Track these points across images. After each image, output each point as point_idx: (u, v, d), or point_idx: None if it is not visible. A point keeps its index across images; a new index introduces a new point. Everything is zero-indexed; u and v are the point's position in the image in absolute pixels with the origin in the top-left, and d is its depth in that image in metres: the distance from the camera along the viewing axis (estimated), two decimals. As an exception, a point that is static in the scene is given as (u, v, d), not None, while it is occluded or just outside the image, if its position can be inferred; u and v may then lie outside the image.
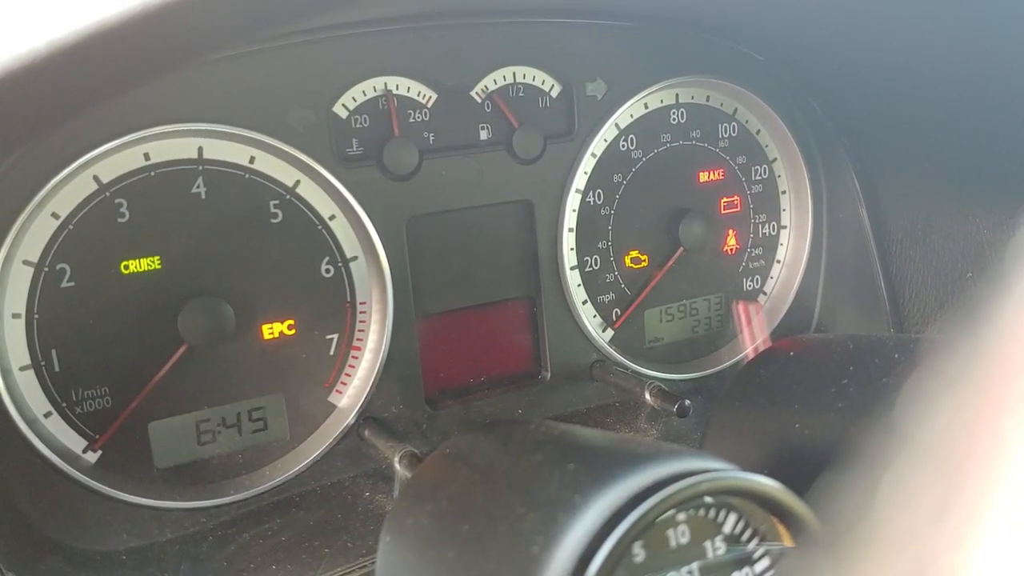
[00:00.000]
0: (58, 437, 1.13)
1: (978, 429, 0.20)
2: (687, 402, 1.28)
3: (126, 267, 1.14)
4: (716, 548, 0.72)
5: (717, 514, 0.72)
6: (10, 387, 1.09)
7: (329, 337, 1.27)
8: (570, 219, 1.40)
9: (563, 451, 0.77)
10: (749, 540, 0.73)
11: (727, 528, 0.72)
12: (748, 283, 1.57)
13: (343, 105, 1.22)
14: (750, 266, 1.57)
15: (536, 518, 0.67)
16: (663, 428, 1.36)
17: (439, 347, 1.34)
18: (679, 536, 0.71)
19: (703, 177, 1.50)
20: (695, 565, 0.72)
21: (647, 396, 1.34)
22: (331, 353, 1.27)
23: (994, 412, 0.21)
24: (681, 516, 0.71)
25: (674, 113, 1.46)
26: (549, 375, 1.41)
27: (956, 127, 1.30)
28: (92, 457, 1.15)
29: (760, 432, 0.98)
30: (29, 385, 1.11)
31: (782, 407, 0.97)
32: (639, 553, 0.69)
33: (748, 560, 0.72)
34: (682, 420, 1.31)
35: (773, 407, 0.98)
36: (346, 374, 1.28)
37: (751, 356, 1.30)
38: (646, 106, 1.43)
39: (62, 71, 0.53)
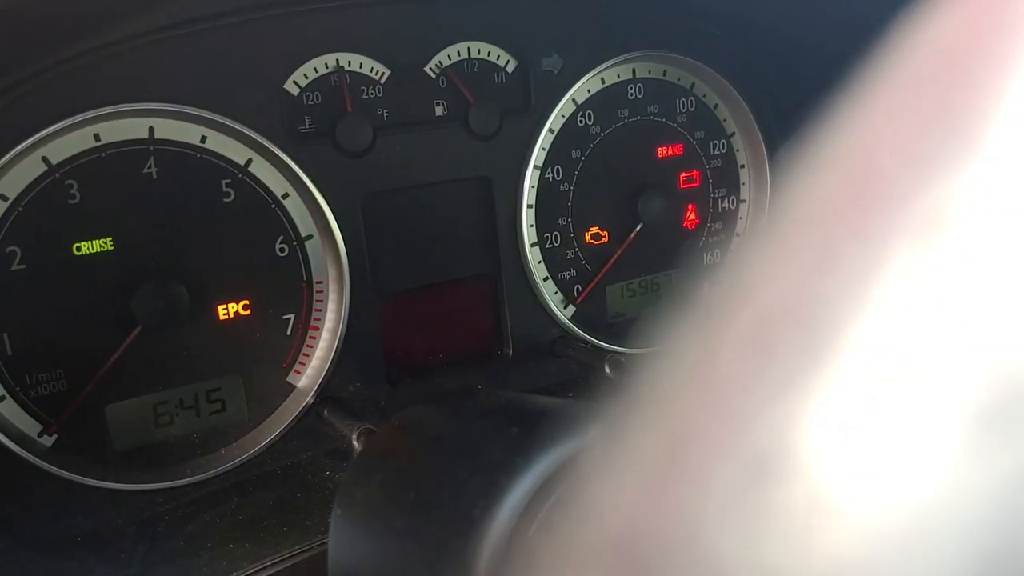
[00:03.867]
0: (12, 422, 1.12)
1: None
2: (645, 374, 1.29)
3: (78, 249, 1.13)
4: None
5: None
6: (-40, 372, 1.08)
7: (286, 317, 1.26)
8: (529, 195, 1.40)
9: (508, 417, 0.77)
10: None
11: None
12: (708, 257, 1.58)
13: (294, 82, 1.22)
14: (710, 240, 1.57)
15: (478, 482, 0.68)
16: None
17: (398, 325, 1.34)
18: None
19: (662, 152, 1.50)
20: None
21: (606, 369, 1.34)
22: (288, 333, 1.26)
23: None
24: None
25: (631, 88, 1.46)
26: (511, 352, 1.41)
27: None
28: (48, 441, 1.14)
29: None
30: None
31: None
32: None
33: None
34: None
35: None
36: (304, 354, 1.28)
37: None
38: (603, 81, 1.43)
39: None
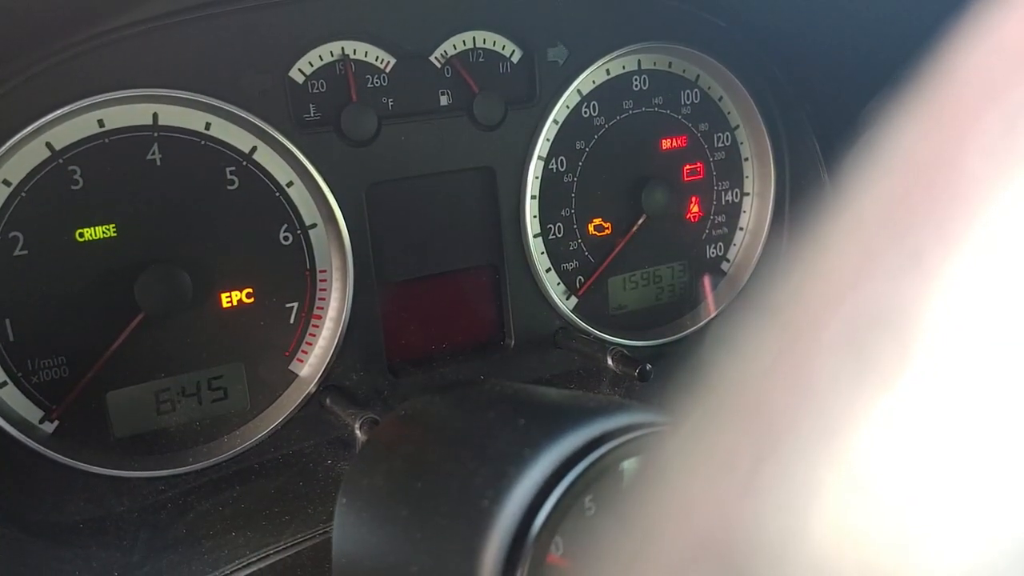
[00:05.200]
0: (14, 407, 1.12)
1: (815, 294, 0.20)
2: (648, 367, 1.29)
3: (81, 235, 1.12)
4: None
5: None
6: (-38, 358, 1.08)
7: (289, 305, 1.26)
8: (533, 186, 1.39)
9: (515, 408, 0.77)
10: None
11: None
12: (711, 250, 1.57)
13: (299, 70, 1.21)
14: (713, 233, 1.57)
15: (486, 473, 0.67)
16: (625, 393, 1.36)
17: (401, 315, 1.34)
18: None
19: (665, 144, 1.49)
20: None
21: (609, 361, 1.34)
22: (291, 322, 1.26)
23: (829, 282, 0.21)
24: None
25: (636, 79, 1.45)
26: (513, 343, 1.41)
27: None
28: (49, 427, 1.14)
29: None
30: None
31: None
32: (591, 508, 0.69)
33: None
34: (644, 385, 1.32)
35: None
36: (307, 343, 1.27)
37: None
38: (608, 72, 1.43)
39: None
